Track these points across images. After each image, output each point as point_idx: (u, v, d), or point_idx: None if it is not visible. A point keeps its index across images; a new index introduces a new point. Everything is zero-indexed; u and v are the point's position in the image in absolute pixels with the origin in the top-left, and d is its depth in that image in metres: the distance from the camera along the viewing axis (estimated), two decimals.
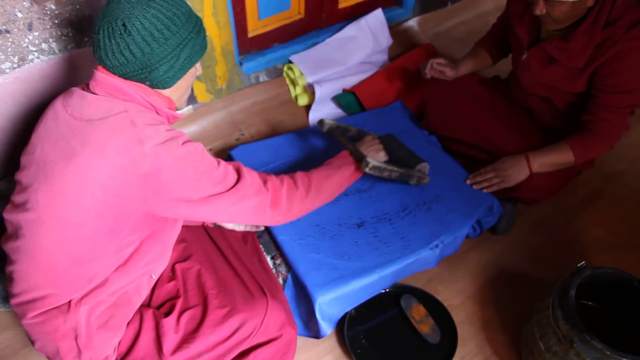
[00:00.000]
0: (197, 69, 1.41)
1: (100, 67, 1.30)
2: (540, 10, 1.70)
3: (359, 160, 1.74)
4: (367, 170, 1.72)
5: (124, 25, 1.21)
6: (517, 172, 1.94)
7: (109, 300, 1.35)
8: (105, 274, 1.33)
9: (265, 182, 1.48)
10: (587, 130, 1.89)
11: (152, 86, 1.33)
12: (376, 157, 1.81)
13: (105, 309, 1.35)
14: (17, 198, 1.33)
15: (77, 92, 1.33)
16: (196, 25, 1.32)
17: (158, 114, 1.36)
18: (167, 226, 1.42)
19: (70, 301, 1.31)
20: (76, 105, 1.29)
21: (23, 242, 1.29)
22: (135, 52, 1.23)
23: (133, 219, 1.29)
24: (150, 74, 1.28)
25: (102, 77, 1.28)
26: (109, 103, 1.27)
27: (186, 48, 1.30)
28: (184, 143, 1.29)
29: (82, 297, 1.31)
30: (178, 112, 1.46)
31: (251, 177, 1.44)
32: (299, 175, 1.60)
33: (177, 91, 1.39)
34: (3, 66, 1.76)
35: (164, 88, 1.35)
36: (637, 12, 1.72)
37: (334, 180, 1.66)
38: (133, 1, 1.23)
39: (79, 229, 1.25)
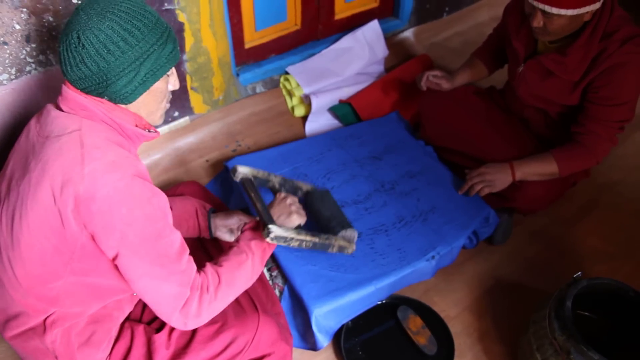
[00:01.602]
0: (171, 82, 1.32)
1: (66, 81, 1.25)
2: (538, 22, 1.71)
3: (263, 226, 1.49)
4: (268, 240, 1.46)
5: (78, 37, 1.15)
6: (499, 178, 1.94)
7: (86, 319, 1.32)
8: (71, 297, 1.27)
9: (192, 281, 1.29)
10: (574, 142, 1.90)
11: (112, 101, 1.24)
12: (287, 223, 1.57)
13: (85, 326, 1.32)
14: None
15: (48, 107, 1.29)
16: (162, 36, 1.22)
17: (123, 131, 1.27)
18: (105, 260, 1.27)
19: (44, 322, 1.29)
20: (43, 122, 1.26)
21: None
22: (90, 65, 1.17)
23: (77, 242, 1.19)
24: (107, 88, 1.20)
25: (67, 92, 1.24)
26: (68, 120, 1.22)
27: (147, 61, 1.21)
28: (132, 176, 1.17)
29: (56, 320, 1.29)
30: (156, 130, 1.38)
31: (188, 266, 1.26)
32: (208, 271, 1.34)
33: (144, 107, 1.29)
34: (0, 78, 1.76)
35: (125, 103, 1.25)
36: (632, 27, 1.74)
37: (246, 268, 1.41)
38: (90, 13, 1.17)
39: (28, 248, 1.21)
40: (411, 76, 2.64)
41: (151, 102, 1.30)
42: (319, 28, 2.77)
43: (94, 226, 1.15)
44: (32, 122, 1.31)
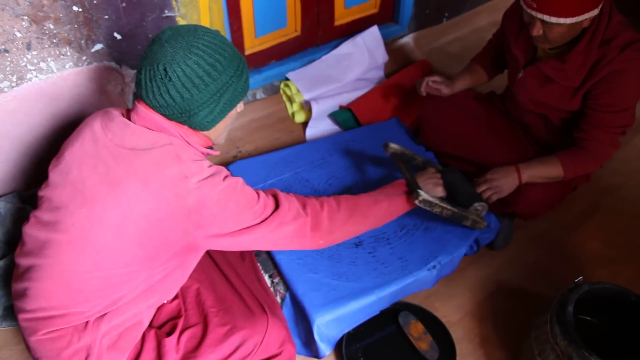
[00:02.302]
0: (239, 107, 1.41)
1: (141, 102, 1.30)
2: (537, 31, 1.71)
3: (412, 191, 1.70)
4: (417, 202, 1.67)
5: (165, 70, 1.22)
6: (506, 183, 1.93)
7: (125, 324, 1.35)
8: (131, 296, 1.34)
9: (304, 206, 1.48)
10: (578, 147, 1.90)
11: (192, 128, 1.34)
12: (432, 192, 1.76)
13: (116, 330, 1.34)
14: (46, 216, 1.31)
15: (119, 118, 1.32)
16: (238, 68, 1.31)
17: (196, 150, 1.37)
18: (193, 254, 1.42)
19: (87, 321, 1.31)
20: (117, 132, 1.30)
21: (48, 261, 1.28)
22: (175, 96, 1.24)
23: (173, 250, 1.31)
24: (190, 118, 1.29)
25: (144, 112, 1.29)
26: (153, 135, 1.28)
27: (227, 93, 1.30)
28: (225, 178, 1.31)
29: (102, 317, 1.31)
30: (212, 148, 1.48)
31: (289, 203, 1.45)
32: (344, 197, 1.58)
33: (215, 131, 1.40)
34: (1, 85, 1.77)
35: (203, 130, 1.35)
36: (631, 33, 1.74)
37: (382, 207, 1.63)
38: (176, 46, 1.23)
39: (117, 256, 1.26)
40: (411, 82, 2.65)
41: (222, 127, 1.41)
42: (319, 34, 2.78)
43: (207, 228, 1.30)
44: (97, 128, 1.33)
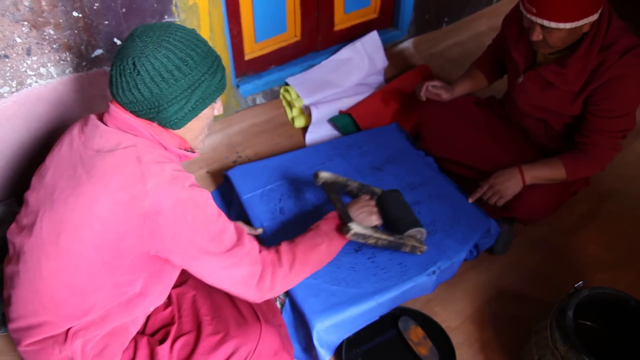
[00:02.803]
0: (216, 108, 1.38)
1: (114, 101, 1.29)
2: (537, 36, 1.72)
3: (343, 223, 1.63)
4: (348, 237, 1.61)
5: (133, 64, 1.20)
6: (510, 186, 1.94)
7: (105, 331, 1.34)
8: (104, 307, 1.31)
9: (259, 254, 1.42)
10: (580, 151, 1.91)
11: (161, 125, 1.30)
12: (366, 221, 1.69)
13: (101, 339, 1.34)
14: (24, 220, 1.32)
15: (93, 120, 1.32)
16: (212, 65, 1.28)
17: (168, 151, 1.33)
18: (168, 266, 1.39)
19: (67, 331, 1.30)
20: (89, 134, 1.29)
21: (24, 267, 1.28)
22: (144, 91, 1.21)
23: (130, 257, 1.26)
24: (159, 114, 1.25)
25: (115, 112, 1.28)
26: (119, 136, 1.26)
27: (198, 90, 1.27)
28: (189, 186, 1.26)
29: (80, 329, 1.30)
30: (194, 151, 1.44)
31: (250, 246, 1.39)
32: (283, 249, 1.49)
33: (190, 132, 1.35)
34: (1, 90, 1.77)
35: (174, 129, 1.31)
36: (631, 38, 1.74)
37: (320, 251, 1.56)
38: (146, 40, 1.21)
39: (76, 260, 1.24)
40: (411, 86, 2.65)
41: (197, 128, 1.36)
42: (319, 39, 2.79)
43: (161, 237, 1.23)
44: (75, 132, 1.33)
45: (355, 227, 1.60)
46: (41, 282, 1.27)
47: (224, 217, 1.34)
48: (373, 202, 1.77)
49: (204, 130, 1.40)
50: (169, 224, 1.22)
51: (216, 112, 1.39)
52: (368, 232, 1.64)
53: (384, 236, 1.69)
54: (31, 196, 1.33)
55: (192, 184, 1.27)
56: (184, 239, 1.25)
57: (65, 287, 1.26)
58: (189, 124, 1.32)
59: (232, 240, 1.34)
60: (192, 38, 1.25)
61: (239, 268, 1.35)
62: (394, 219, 1.81)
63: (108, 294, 1.30)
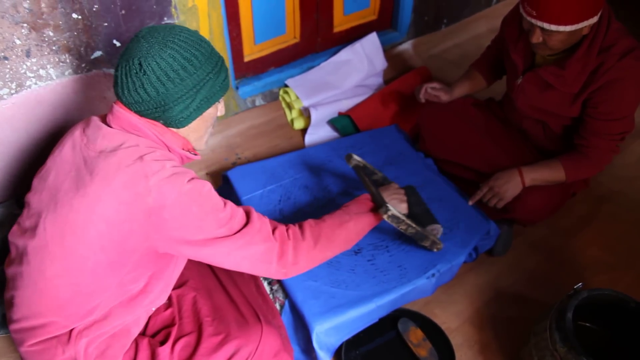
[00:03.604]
0: (219, 109, 1.40)
1: (118, 102, 1.30)
2: (537, 38, 1.72)
3: (379, 206, 1.65)
4: (385, 217, 1.62)
5: (139, 64, 1.22)
6: (510, 188, 1.94)
7: (109, 332, 1.34)
8: (107, 307, 1.32)
9: (274, 231, 1.42)
10: (579, 153, 1.92)
11: (166, 125, 1.32)
12: (397, 208, 1.70)
13: (104, 340, 1.34)
14: (26, 222, 1.32)
15: (95, 122, 1.33)
16: (216, 65, 1.31)
17: (172, 152, 1.35)
18: (171, 263, 1.40)
19: (70, 331, 1.30)
20: (91, 136, 1.30)
21: (27, 268, 1.29)
22: (150, 91, 1.23)
23: (136, 255, 1.28)
24: (164, 113, 1.27)
25: (119, 112, 1.29)
26: (122, 137, 1.27)
27: (203, 89, 1.29)
28: (190, 180, 1.27)
29: (84, 329, 1.31)
30: (197, 153, 1.45)
31: (261, 223, 1.39)
32: (308, 224, 1.50)
33: (194, 132, 1.38)
34: (1, 92, 1.77)
35: (178, 128, 1.33)
36: (630, 40, 1.75)
37: (348, 228, 1.55)
38: (151, 40, 1.23)
39: (82, 261, 1.25)
40: (410, 88, 2.65)
41: (201, 128, 1.38)
42: (318, 41, 2.79)
43: (168, 231, 1.25)
44: (77, 134, 1.34)
45: (392, 210, 1.62)
46: (45, 283, 1.27)
47: (230, 203, 1.35)
48: (403, 191, 1.79)
49: (208, 131, 1.42)
50: (174, 217, 1.23)
51: (219, 113, 1.40)
52: (402, 216, 1.66)
53: (413, 224, 1.70)
54: (33, 198, 1.34)
55: (193, 177, 1.29)
56: (192, 230, 1.27)
57: (71, 288, 1.27)
58: (193, 124, 1.35)
59: (241, 222, 1.35)
60: (196, 38, 1.28)
61: (253, 246, 1.35)
62: (414, 213, 1.81)
63: (113, 293, 1.31)
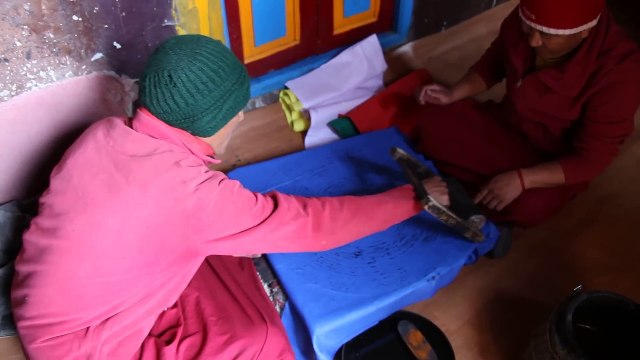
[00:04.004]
0: (240, 116, 1.44)
1: (144, 109, 1.33)
2: (536, 42, 1.72)
3: (421, 196, 1.70)
4: (426, 207, 1.67)
5: (169, 76, 1.25)
6: (509, 191, 1.94)
7: (126, 329, 1.35)
8: (131, 303, 1.34)
9: (305, 206, 1.47)
10: (578, 155, 1.92)
11: (194, 134, 1.36)
12: (438, 199, 1.74)
13: (117, 337, 1.34)
14: (46, 223, 1.32)
15: (121, 125, 1.35)
16: (240, 76, 1.35)
17: (197, 157, 1.38)
18: (191, 262, 1.43)
19: (88, 328, 1.31)
20: (119, 139, 1.32)
21: (48, 267, 1.29)
22: (180, 102, 1.27)
23: (172, 256, 1.31)
24: (193, 123, 1.31)
25: (147, 120, 1.31)
26: (154, 142, 1.30)
27: (229, 99, 1.33)
28: (221, 181, 1.32)
29: (102, 323, 1.32)
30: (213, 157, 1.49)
31: (288, 203, 1.43)
32: (347, 198, 1.57)
33: (217, 139, 1.42)
34: (1, 94, 1.77)
35: (205, 137, 1.38)
36: (629, 43, 1.75)
37: (387, 209, 1.61)
38: (180, 53, 1.26)
39: (116, 262, 1.27)
40: (410, 90, 2.65)
41: (224, 135, 1.43)
42: (318, 43, 2.79)
43: (207, 231, 1.30)
44: (100, 135, 1.35)
45: (433, 200, 1.67)
46: (73, 282, 1.27)
47: (260, 196, 1.40)
48: (445, 184, 1.83)
49: (229, 137, 1.48)
50: (212, 218, 1.28)
51: (239, 119, 1.44)
52: (443, 207, 1.70)
53: (454, 215, 1.75)
54: (55, 199, 1.33)
55: (224, 178, 1.34)
56: (229, 226, 1.32)
57: (100, 287, 1.28)
58: (219, 132, 1.39)
59: (270, 208, 1.40)
60: (221, 50, 1.31)
61: (285, 226, 1.40)
62: (456, 205, 1.84)
63: (140, 291, 1.34)
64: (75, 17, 1.79)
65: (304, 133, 2.61)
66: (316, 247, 1.49)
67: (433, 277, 1.82)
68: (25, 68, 1.78)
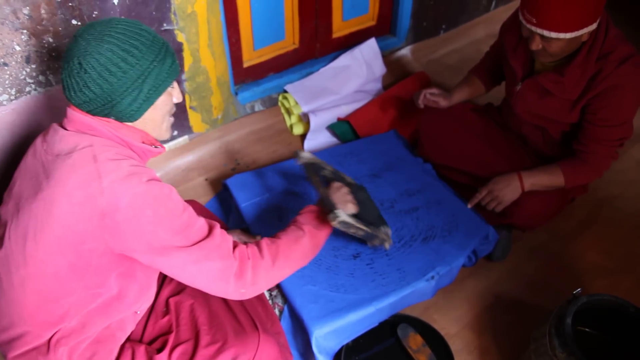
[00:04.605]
0: (175, 95, 1.35)
1: (71, 105, 1.28)
2: (536, 45, 1.72)
3: (328, 210, 1.59)
4: (334, 224, 1.57)
5: (79, 63, 1.19)
6: (508, 193, 1.95)
7: (90, 338, 1.33)
8: (79, 312, 1.29)
9: (234, 249, 1.36)
10: (578, 158, 1.92)
11: (119, 120, 1.28)
12: (345, 209, 1.63)
13: (88, 346, 1.32)
14: None
15: (54, 127, 1.32)
16: (160, 53, 1.26)
17: (131, 149, 1.31)
18: (139, 264, 1.33)
19: (49, 341, 1.29)
20: (50, 141, 1.29)
21: None
22: (94, 89, 1.20)
23: (94, 257, 1.23)
24: (113, 108, 1.24)
25: (72, 114, 1.27)
26: (77, 138, 1.25)
27: (149, 78, 1.25)
28: (148, 181, 1.22)
29: (61, 338, 1.29)
30: (162, 145, 1.42)
31: (222, 239, 1.33)
32: (265, 242, 1.43)
33: (150, 122, 1.33)
34: (0, 98, 1.77)
35: (131, 121, 1.29)
36: (628, 47, 1.75)
37: (304, 244, 1.50)
38: (88, 38, 1.20)
39: (42, 265, 1.23)
40: (409, 94, 2.66)
41: (156, 117, 1.33)
42: (317, 47, 2.80)
43: (122, 235, 1.20)
44: (38, 142, 1.34)
45: (342, 215, 1.56)
46: (13, 292, 1.26)
47: (190, 211, 1.29)
48: (347, 190, 1.71)
49: (165, 119, 1.37)
50: (128, 220, 1.19)
51: (175, 100, 1.36)
52: (352, 221, 1.60)
53: (362, 226, 1.65)
54: (2, 210, 1.35)
55: (152, 179, 1.24)
56: (146, 235, 1.21)
57: (35, 295, 1.25)
58: (147, 115, 1.30)
59: (200, 234, 1.29)
60: (134, 28, 1.24)
61: (210, 262, 1.29)
62: (364, 212, 1.75)
63: (80, 298, 1.28)
64: (74, 22, 1.79)
65: (303, 137, 2.61)
66: (234, 296, 1.36)
67: (432, 277, 1.82)
68: (24, 72, 1.78)
